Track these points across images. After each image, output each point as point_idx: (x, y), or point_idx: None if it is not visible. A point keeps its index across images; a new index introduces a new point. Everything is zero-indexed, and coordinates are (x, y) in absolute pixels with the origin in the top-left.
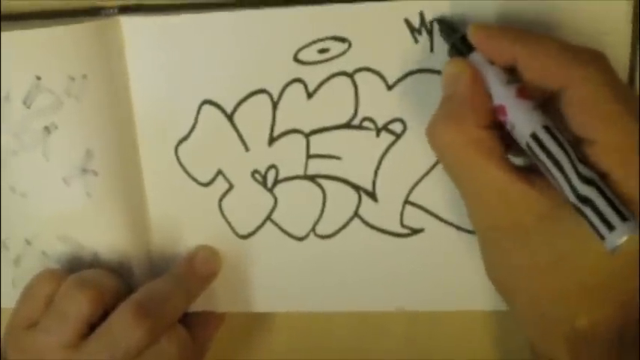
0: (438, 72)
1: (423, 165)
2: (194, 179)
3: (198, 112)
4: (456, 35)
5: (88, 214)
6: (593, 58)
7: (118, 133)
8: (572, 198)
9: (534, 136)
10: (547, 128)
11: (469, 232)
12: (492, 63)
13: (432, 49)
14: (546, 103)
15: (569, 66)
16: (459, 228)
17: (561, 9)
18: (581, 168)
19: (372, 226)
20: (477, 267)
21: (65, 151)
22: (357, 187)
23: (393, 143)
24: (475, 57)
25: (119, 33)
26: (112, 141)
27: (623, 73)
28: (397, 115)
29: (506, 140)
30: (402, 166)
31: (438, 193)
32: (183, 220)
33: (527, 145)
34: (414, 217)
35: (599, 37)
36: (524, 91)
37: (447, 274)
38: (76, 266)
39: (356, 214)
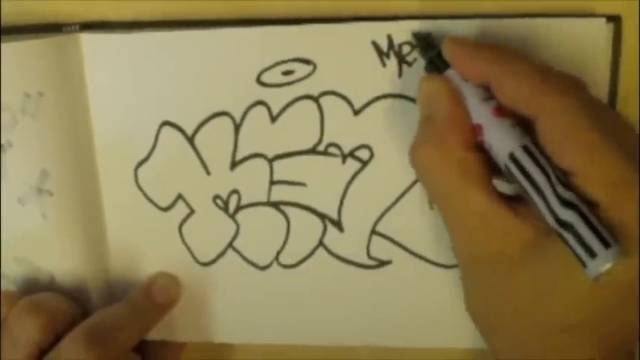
0: (407, 97)
1: (390, 194)
2: (154, 203)
3: (157, 134)
4: (433, 51)
5: (44, 236)
6: (570, 86)
7: (75, 153)
8: (552, 222)
9: (512, 157)
10: (525, 148)
11: (438, 265)
12: (467, 80)
13: (400, 74)
14: (528, 122)
15: (544, 94)
16: (427, 260)
17: (540, 29)
18: (561, 190)
19: (338, 257)
20: (447, 302)
21: (20, 170)
22: (322, 216)
23: (359, 170)
24: (451, 73)
25: (79, 50)
26: (68, 161)
27: (603, 93)
28: (364, 142)
29: (494, 164)
30: (369, 195)
31: (405, 223)
32: (142, 244)
33: (506, 166)
34: (381, 248)
35: (579, 57)
36: (502, 109)
37: (415, 308)
38: (32, 288)
39: (321, 243)
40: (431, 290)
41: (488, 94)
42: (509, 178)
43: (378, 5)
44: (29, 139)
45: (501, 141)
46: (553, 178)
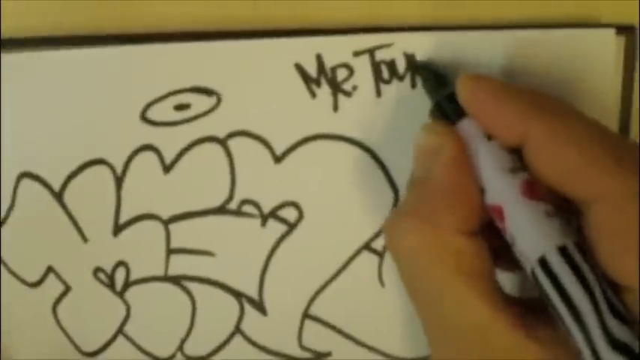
0: (344, 138)
1: (326, 266)
2: (18, 277)
3: (15, 188)
4: (443, 91)
5: None
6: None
7: None
8: None
9: (543, 263)
10: (564, 251)
11: (388, 356)
12: (489, 138)
13: (335, 108)
14: (564, 208)
15: (608, 170)
16: (375, 351)
17: (543, 41)
18: (614, 325)
19: (261, 347)
20: None
21: None
22: (237, 294)
23: (285, 235)
24: (466, 125)
25: None
26: None
27: (613, 115)
28: (289, 198)
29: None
30: (299, 268)
31: (346, 304)
32: (10, 329)
33: (533, 273)
34: (316, 336)
35: (585, 73)
36: (535, 187)
37: None
38: None
39: (237, 329)
40: None
41: (516, 161)
42: (535, 287)
43: (309, 15)
44: None
45: (530, 236)
46: (602, 302)
